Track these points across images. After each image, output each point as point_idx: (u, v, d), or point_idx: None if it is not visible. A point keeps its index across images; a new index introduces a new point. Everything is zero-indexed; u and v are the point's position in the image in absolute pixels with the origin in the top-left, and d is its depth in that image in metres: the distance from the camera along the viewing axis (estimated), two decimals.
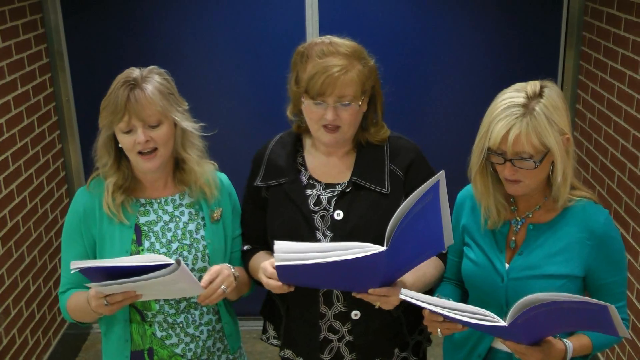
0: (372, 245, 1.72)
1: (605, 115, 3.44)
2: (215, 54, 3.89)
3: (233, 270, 2.08)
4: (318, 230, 2.08)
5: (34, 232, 3.61)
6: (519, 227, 1.98)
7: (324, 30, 3.71)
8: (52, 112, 3.87)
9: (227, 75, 3.92)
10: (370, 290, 1.84)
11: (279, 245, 1.80)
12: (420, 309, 1.87)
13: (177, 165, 2.16)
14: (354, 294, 1.89)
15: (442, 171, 1.76)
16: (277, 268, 1.83)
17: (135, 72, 2.04)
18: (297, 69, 2.06)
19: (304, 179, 2.14)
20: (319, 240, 2.07)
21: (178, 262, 1.80)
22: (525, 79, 1.93)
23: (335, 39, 2.04)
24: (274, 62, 3.86)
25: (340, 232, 2.04)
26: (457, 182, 2.12)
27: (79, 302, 2.07)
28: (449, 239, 1.86)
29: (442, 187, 1.77)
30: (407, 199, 1.72)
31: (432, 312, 1.79)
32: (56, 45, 3.84)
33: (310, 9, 3.78)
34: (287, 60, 3.78)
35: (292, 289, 1.93)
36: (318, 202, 2.10)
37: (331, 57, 1.98)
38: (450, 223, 1.85)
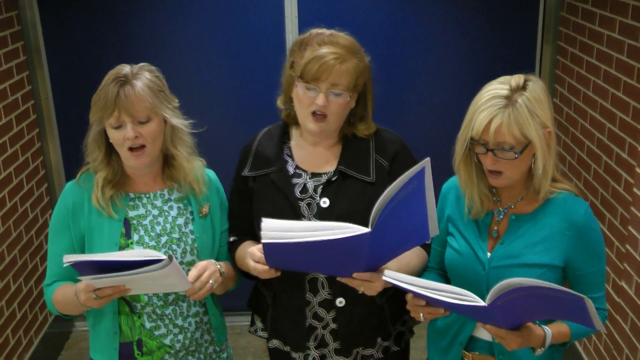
0: (357, 226, 1.75)
1: (582, 109, 3.50)
2: (195, 50, 3.88)
3: (219, 266, 2.11)
4: (304, 217, 2.12)
5: (14, 231, 3.59)
6: (501, 217, 2.02)
7: (303, 26, 3.72)
8: (31, 110, 3.84)
9: (206, 71, 3.92)
10: (355, 275, 1.87)
11: (266, 222, 1.82)
12: (404, 297, 1.91)
13: (167, 162, 2.18)
14: (338, 279, 1.93)
15: (428, 158, 1.78)
16: (264, 246, 1.85)
17: (126, 68, 2.06)
18: (294, 56, 2.10)
19: (291, 169, 2.18)
20: None
21: (170, 257, 1.82)
22: (504, 73, 1.97)
23: (336, 32, 2.10)
24: (253, 58, 3.87)
25: (327, 220, 2.05)
26: (440, 175, 2.16)
27: (66, 295, 2.08)
28: (434, 229, 1.89)
29: (427, 175, 1.79)
30: (393, 184, 1.74)
31: (414, 295, 1.83)
32: (33, 42, 3.81)
33: (290, 5, 3.79)
34: (266, 56, 3.84)
35: (278, 274, 1.97)
36: (304, 190, 2.14)
37: (330, 45, 2.03)
38: (436, 214, 1.88)
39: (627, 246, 2.95)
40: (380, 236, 1.77)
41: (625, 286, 2.98)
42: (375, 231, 1.74)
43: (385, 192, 1.75)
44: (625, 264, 2.99)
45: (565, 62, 3.75)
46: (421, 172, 1.77)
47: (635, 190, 2.86)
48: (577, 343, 3.59)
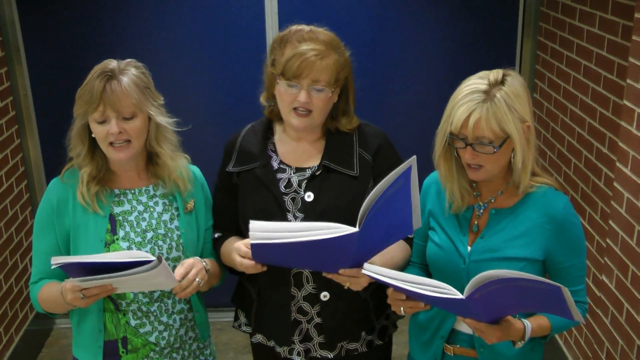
0: (344, 226, 1.76)
1: (562, 104, 3.52)
2: (175, 47, 3.86)
3: (204, 263, 2.10)
4: (289, 212, 2.12)
5: None
6: (481, 211, 2.03)
7: (283, 22, 3.72)
8: (10, 107, 3.80)
9: (188, 68, 3.90)
10: (341, 271, 1.89)
11: (254, 224, 1.82)
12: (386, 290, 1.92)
13: (151, 159, 2.17)
14: (324, 274, 1.94)
15: (414, 157, 1.81)
16: (252, 246, 1.86)
17: (112, 63, 2.05)
18: (275, 53, 2.11)
19: (275, 164, 2.19)
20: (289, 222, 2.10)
21: (159, 258, 1.82)
22: (484, 68, 1.98)
23: (315, 28, 2.10)
24: (234, 54, 3.85)
25: (311, 214, 2.09)
26: (421, 169, 2.17)
27: (51, 294, 2.07)
28: (417, 222, 1.91)
29: (413, 172, 1.82)
30: (380, 183, 1.76)
31: (395, 289, 1.84)
32: (12, 38, 3.76)
33: (270, 2, 3.78)
34: (246, 52, 3.83)
35: (264, 269, 1.98)
36: (289, 184, 2.15)
37: (310, 42, 2.04)
38: (419, 207, 1.90)
39: (608, 240, 2.97)
40: (367, 234, 1.78)
41: (605, 280, 3.00)
42: (363, 230, 1.76)
43: (373, 191, 1.76)
44: (605, 258, 3.01)
45: (545, 57, 3.77)
46: (408, 170, 1.79)
47: (615, 184, 2.88)
48: (558, 337, 3.62)
